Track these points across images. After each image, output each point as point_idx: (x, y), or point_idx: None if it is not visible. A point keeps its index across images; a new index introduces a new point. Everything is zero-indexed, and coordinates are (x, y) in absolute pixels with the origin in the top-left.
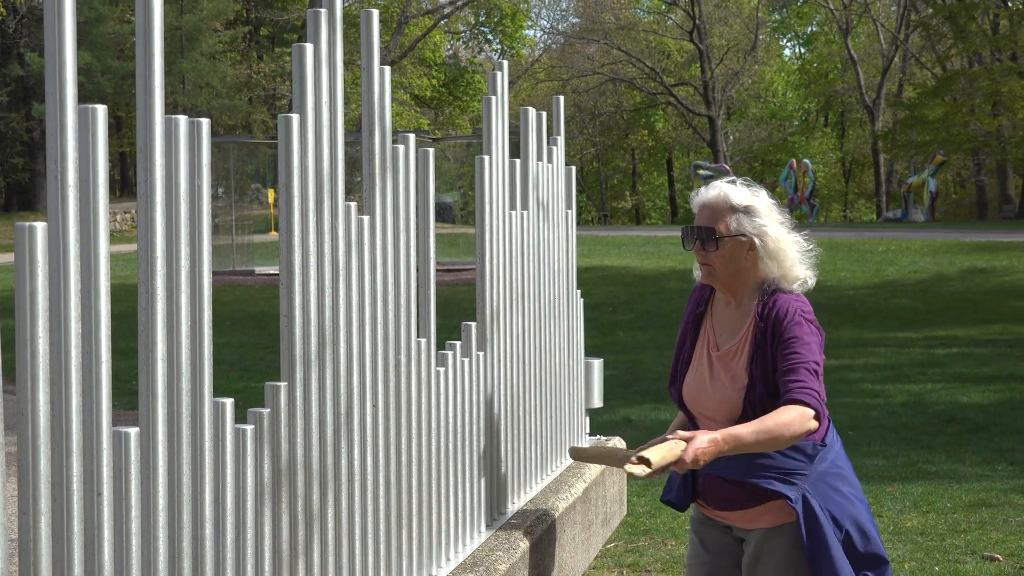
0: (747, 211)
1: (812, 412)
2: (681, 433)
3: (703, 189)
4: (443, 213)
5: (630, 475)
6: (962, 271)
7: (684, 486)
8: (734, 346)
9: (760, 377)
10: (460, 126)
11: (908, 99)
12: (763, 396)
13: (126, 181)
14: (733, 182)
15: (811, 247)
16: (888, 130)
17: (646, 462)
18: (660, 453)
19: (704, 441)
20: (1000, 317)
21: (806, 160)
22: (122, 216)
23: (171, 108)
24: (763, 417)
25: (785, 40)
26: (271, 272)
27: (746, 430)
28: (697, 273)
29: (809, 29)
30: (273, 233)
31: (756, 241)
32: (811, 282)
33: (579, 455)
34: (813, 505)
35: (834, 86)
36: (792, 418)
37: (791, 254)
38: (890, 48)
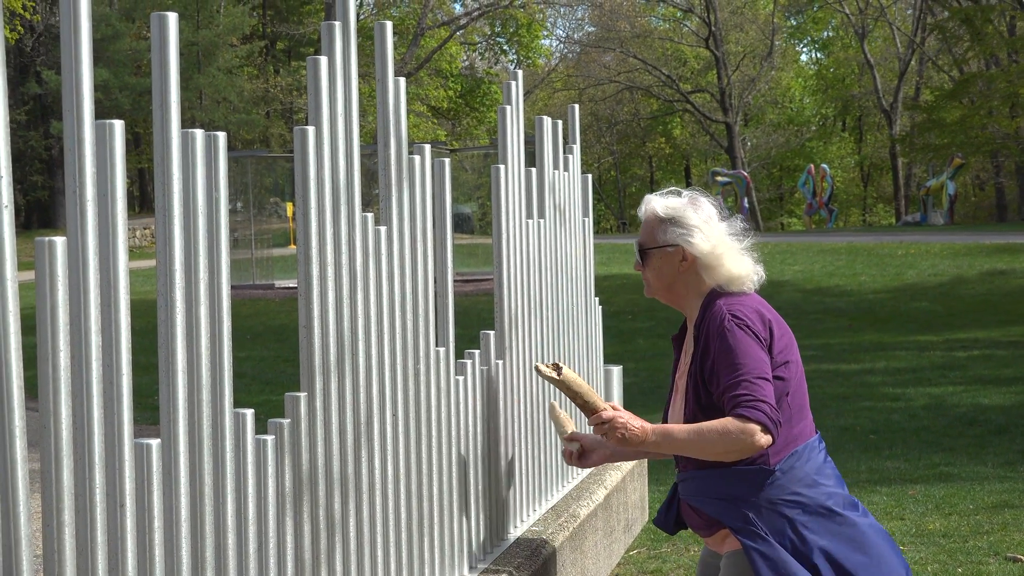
0: (672, 221)
1: (756, 426)
2: (617, 405)
3: (640, 205)
4: (462, 224)
5: (535, 367)
6: (982, 273)
7: (669, 510)
8: (685, 365)
9: (692, 395)
10: (477, 137)
11: (925, 102)
12: (696, 414)
13: (145, 197)
14: (674, 192)
15: (748, 241)
16: (906, 134)
17: (557, 368)
18: (578, 378)
19: (635, 423)
20: (1021, 319)
21: (824, 165)
22: (141, 232)
23: (188, 123)
24: (704, 422)
25: (801, 45)
26: (291, 286)
27: (678, 428)
28: None
29: (825, 34)
30: (292, 247)
31: (680, 250)
32: (758, 277)
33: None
34: (760, 533)
35: (851, 90)
36: (730, 429)
37: (728, 255)
38: (907, 51)
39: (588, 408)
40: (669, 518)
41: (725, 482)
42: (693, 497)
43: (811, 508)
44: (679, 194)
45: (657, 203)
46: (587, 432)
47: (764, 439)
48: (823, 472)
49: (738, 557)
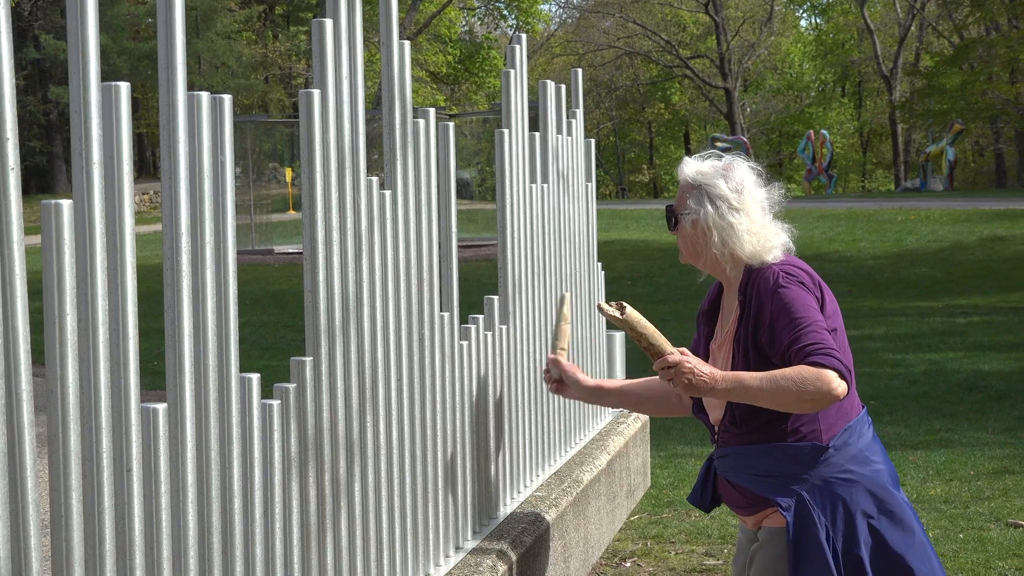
0: (700, 188)
1: (832, 373)
2: (686, 350)
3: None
4: (461, 189)
5: (599, 307)
6: (981, 239)
7: (704, 487)
8: (728, 334)
9: (740, 354)
10: (476, 102)
11: (925, 68)
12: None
13: (143, 162)
14: (713, 155)
15: (784, 224)
16: (905, 99)
17: (621, 308)
18: (642, 319)
19: (704, 368)
20: (1020, 285)
21: (824, 131)
22: (140, 197)
23: (188, 88)
24: (777, 369)
25: (801, 11)
26: (291, 251)
27: (751, 375)
28: None
29: None
30: (292, 212)
31: (705, 219)
32: (789, 243)
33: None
34: (810, 514)
35: (851, 56)
36: (805, 376)
37: (759, 224)
38: (907, 17)
39: (654, 351)
40: (705, 495)
41: (773, 459)
42: (736, 474)
43: (863, 486)
44: (719, 158)
45: (689, 168)
46: (571, 364)
47: (841, 387)
48: (872, 448)
49: (779, 536)
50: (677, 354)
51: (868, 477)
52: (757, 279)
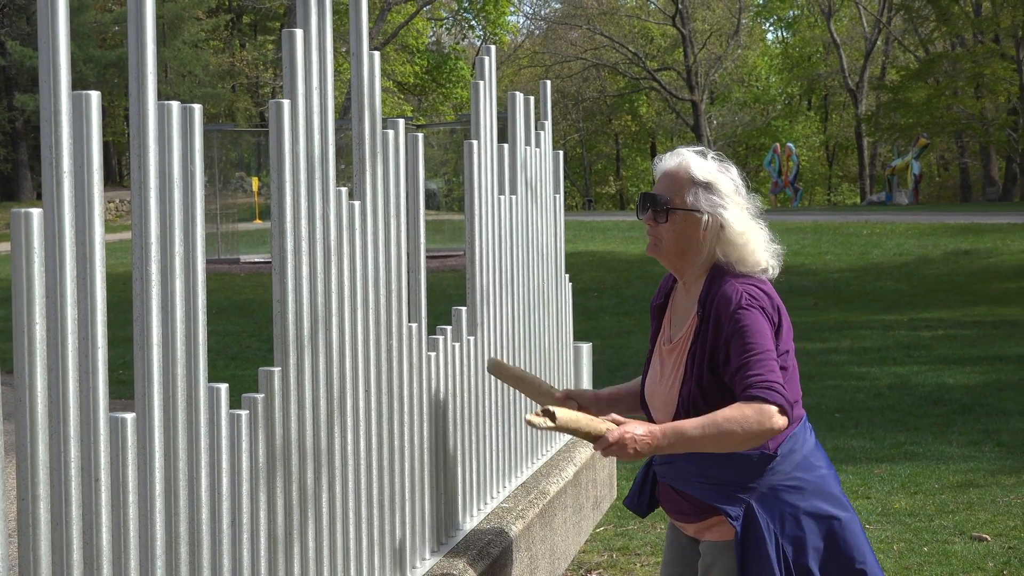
0: (708, 187)
1: (774, 408)
2: (616, 417)
3: (667, 155)
4: (428, 200)
5: (528, 422)
6: (946, 253)
7: (642, 492)
8: (681, 337)
9: (695, 373)
10: (443, 113)
11: (891, 82)
12: (696, 396)
13: (110, 170)
14: (702, 153)
15: (775, 240)
16: (871, 113)
17: (550, 415)
18: (572, 415)
19: (641, 431)
20: (985, 299)
21: (790, 144)
22: (106, 205)
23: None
24: (715, 412)
25: (768, 24)
26: (256, 260)
27: (691, 424)
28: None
29: (791, 13)
30: (258, 221)
31: (709, 220)
32: (772, 272)
33: (498, 370)
34: (758, 523)
35: (817, 70)
36: (747, 414)
37: (753, 240)
38: (873, 31)
39: (592, 437)
40: (642, 500)
41: (722, 466)
42: (680, 481)
43: (810, 492)
44: (704, 155)
45: (694, 162)
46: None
47: (781, 421)
48: (816, 455)
49: (728, 550)
50: (615, 429)
51: (814, 483)
52: (718, 294)
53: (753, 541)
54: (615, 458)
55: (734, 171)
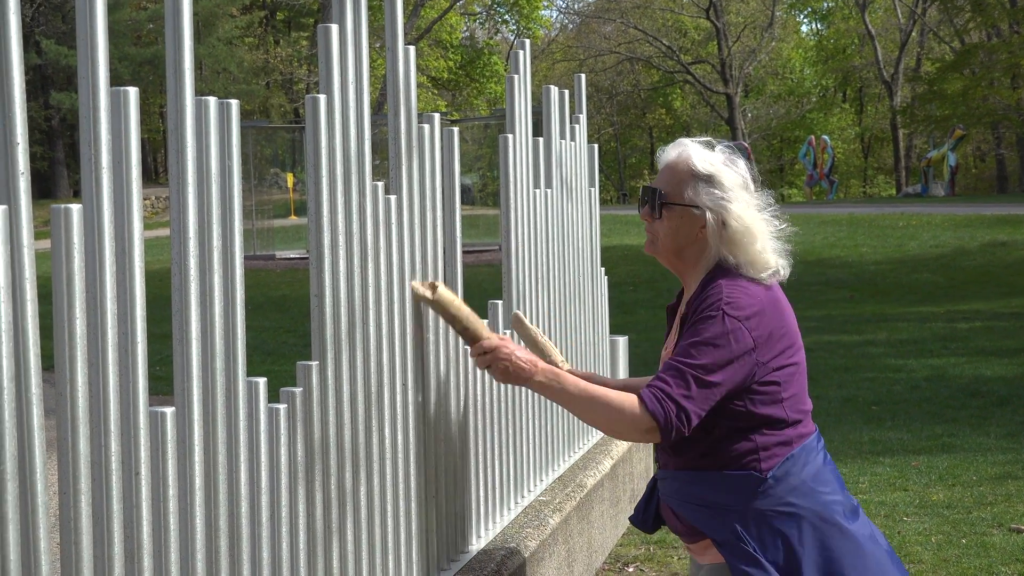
0: (709, 180)
1: (653, 424)
2: (506, 336)
3: (670, 145)
4: (462, 195)
5: (412, 288)
6: (983, 245)
7: (647, 507)
8: (672, 341)
9: None
10: (477, 107)
11: (926, 73)
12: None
13: (145, 167)
14: (709, 144)
15: (784, 226)
16: (907, 105)
17: (432, 288)
18: (456, 301)
19: (524, 355)
20: (1022, 290)
21: (825, 136)
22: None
23: None
24: (606, 388)
25: (802, 16)
26: (292, 256)
27: (572, 381)
28: None
29: (826, 5)
30: (293, 217)
31: (711, 218)
32: (783, 273)
33: (518, 325)
34: (745, 550)
35: (852, 61)
36: (624, 411)
37: (760, 238)
38: (908, 22)
39: (469, 335)
40: (648, 516)
41: (708, 486)
42: (672, 499)
43: (806, 520)
44: (711, 146)
45: (695, 154)
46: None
47: (649, 436)
48: (821, 477)
49: (724, 573)
50: (495, 339)
51: (812, 510)
52: (704, 296)
53: (743, 571)
54: (492, 372)
55: (742, 164)
